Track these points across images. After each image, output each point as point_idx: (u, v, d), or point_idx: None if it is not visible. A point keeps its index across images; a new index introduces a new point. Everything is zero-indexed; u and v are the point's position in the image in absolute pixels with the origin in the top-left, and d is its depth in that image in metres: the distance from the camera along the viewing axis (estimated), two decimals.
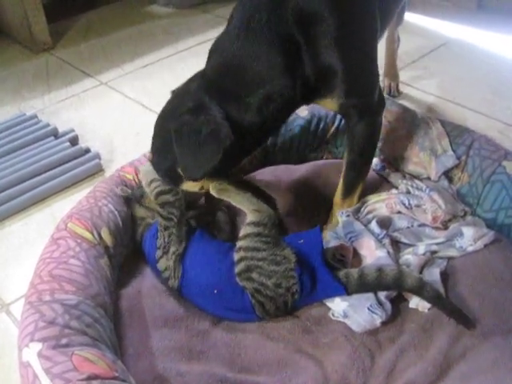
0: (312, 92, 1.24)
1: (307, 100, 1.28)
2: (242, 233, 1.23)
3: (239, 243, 1.21)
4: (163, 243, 1.28)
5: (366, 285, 1.20)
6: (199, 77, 1.23)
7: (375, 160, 1.61)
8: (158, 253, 1.29)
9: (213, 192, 1.27)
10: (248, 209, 1.24)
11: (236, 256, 1.20)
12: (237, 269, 1.19)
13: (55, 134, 2.06)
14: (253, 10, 1.17)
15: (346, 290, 1.19)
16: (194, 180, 1.22)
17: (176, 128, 1.16)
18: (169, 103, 1.27)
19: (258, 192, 1.35)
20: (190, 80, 1.25)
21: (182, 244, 1.27)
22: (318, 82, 1.21)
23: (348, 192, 1.43)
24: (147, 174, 1.35)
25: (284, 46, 1.16)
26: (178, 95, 1.25)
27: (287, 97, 1.19)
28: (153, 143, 1.27)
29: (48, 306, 1.08)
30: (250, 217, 1.23)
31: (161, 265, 1.28)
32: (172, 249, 1.26)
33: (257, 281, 1.18)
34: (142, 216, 1.40)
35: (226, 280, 1.21)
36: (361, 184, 1.43)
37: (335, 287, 1.19)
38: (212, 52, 1.24)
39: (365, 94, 1.30)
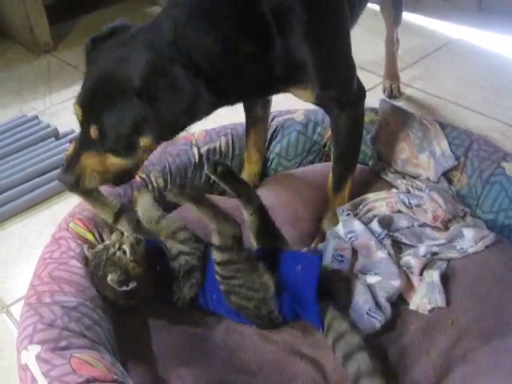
0: (283, 79, 1.22)
1: (280, 84, 1.25)
2: (213, 256, 1.16)
3: (215, 267, 1.16)
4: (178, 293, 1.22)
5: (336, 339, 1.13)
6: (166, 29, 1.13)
7: (374, 162, 1.62)
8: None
9: (178, 200, 1.21)
10: (212, 227, 1.16)
11: (216, 276, 1.17)
12: (220, 287, 1.17)
13: (56, 135, 2.06)
14: None
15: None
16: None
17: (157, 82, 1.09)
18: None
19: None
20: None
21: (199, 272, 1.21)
22: (290, 70, 1.20)
23: (338, 186, 1.43)
24: (171, 224, 1.23)
25: (256, 29, 1.14)
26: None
27: (257, 61, 1.17)
28: (100, 111, 1.11)
29: (47, 307, 1.08)
30: (214, 238, 1.16)
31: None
32: (188, 284, 1.21)
33: (238, 303, 1.16)
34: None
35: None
36: (350, 177, 1.43)
37: (317, 323, 1.16)
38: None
39: (341, 86, 1.30)
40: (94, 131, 1.11)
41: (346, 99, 1.31)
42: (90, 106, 1.13)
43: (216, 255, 1.16)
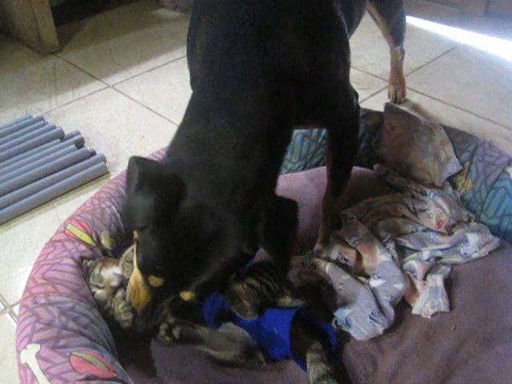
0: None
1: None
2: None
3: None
4: None
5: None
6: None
7: (379, 165, 1.62)
8: None
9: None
10: None
11: None
12: None
13: (61, 137, 2.06)
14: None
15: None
16: None
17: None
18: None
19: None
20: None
21: None
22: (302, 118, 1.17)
23: (338, 190, 1.41)
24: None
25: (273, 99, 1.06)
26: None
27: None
28: (195, 275, 0.96)
29: (44, 308, 1.08)
30: None
31: None
32: None
33: None
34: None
35: None
36: (348, 180, 1.42)
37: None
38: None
39: (343, 115, 1.30)
40: (187, 296, 0.99)
41: (346, 117, 1.31)
42: (179, 274, 0.97)
43: None
